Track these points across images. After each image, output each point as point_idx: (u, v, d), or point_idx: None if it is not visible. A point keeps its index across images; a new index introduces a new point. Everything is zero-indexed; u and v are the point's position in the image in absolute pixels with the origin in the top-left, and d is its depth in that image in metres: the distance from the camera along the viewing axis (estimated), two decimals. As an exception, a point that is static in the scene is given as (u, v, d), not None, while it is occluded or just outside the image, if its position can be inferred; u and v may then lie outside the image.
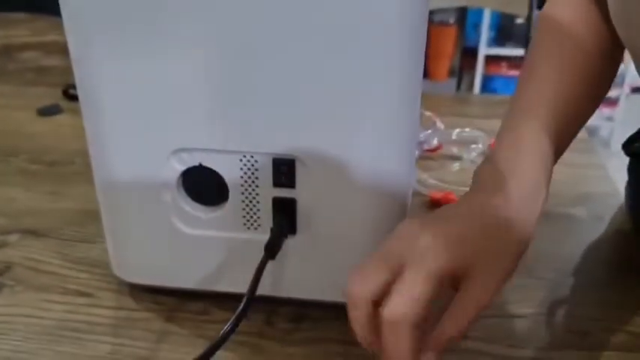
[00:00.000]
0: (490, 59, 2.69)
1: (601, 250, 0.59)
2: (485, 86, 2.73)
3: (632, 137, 0.61)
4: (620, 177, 0.69)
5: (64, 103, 0.90)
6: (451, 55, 2.69)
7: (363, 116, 0.41)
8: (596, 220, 0.63)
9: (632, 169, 0.62)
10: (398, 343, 0.34)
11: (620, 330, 0.48)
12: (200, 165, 0.44)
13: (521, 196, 0.39)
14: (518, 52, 2.08)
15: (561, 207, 0.64)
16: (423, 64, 0.43)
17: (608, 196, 0.68)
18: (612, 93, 2.51)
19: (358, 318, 0.36)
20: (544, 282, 0.54)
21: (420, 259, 0.35)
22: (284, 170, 0.43)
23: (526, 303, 0.51)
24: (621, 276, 0.55)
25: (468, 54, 2.72)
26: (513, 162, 0.41)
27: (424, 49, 0.42)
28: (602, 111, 2.60)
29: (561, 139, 0.46)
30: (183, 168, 0.44)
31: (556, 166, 0.75)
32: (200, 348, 0.40)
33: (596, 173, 0.74)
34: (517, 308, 0.50)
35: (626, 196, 0.64)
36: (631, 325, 0.49)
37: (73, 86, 0.92)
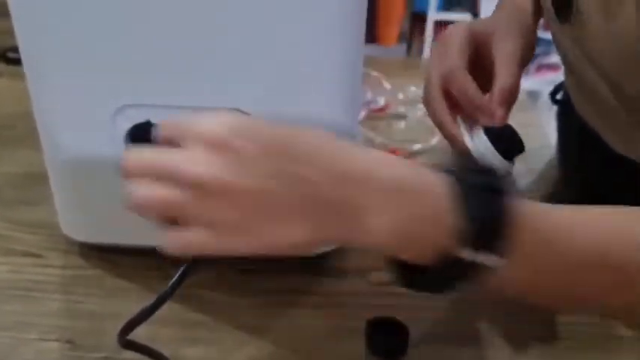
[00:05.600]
0: (439, 25, 2.72)
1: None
2: (435, 51, 2.76)
3: (557, 87, 0.65)
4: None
5: (2, 67, 0.87)
6: (401, 21, 2.70)
7: (307, 74, 0.42)
8: (529, 173, 0.68)
9: (558, 116, 0.66)
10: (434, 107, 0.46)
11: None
12: (148, 122, 0.44)
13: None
14: (466, 17, 2.12)
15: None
16: (364, 28, 0.44)
17: (542, 148, 0.72)
18: (554, 58, 2.59)
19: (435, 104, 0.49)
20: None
21: None
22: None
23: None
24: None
25: (418, 19, 2.74)
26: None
27: (365, 14, 0.44)
28: (546, 76, 2.67)
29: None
30: (129, 125, 0.44)
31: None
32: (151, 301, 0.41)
33: (533, 131, 0.78)
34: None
35: (556, 142, 0.69)
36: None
37: (12, 49, 0.90)
